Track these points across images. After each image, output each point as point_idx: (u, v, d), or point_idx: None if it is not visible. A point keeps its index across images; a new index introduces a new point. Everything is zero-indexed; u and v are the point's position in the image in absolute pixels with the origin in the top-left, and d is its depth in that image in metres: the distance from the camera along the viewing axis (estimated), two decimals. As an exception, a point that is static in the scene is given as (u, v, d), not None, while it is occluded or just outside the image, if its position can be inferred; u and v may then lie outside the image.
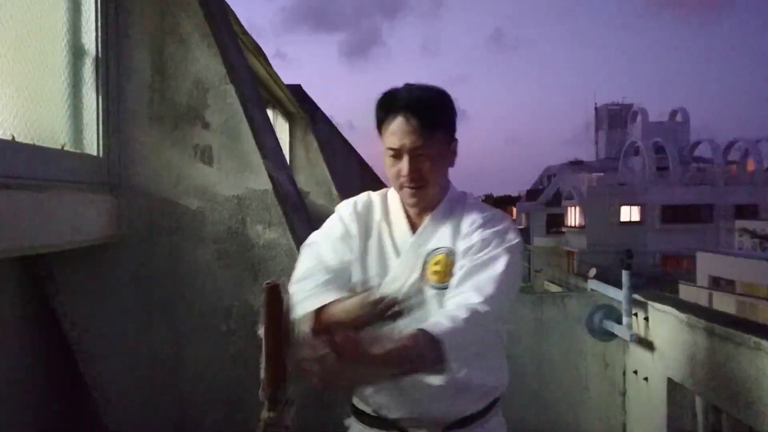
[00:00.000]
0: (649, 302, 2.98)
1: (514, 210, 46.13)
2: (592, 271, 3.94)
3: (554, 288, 24.70)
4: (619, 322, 3.11)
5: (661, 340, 2.87)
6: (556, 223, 36.84)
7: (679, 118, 37.91)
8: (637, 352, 3.13)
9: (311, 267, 1.58)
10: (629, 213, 32.26)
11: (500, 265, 1.45)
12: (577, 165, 39.65)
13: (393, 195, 1.66)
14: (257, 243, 2.62)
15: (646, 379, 3.02)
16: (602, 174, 37.48)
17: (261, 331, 1.23)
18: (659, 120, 38.46)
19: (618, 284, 3.09)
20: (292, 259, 2.59)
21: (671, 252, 30.67)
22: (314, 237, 1.70)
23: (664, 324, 2.82)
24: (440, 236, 1.57)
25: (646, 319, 2.99)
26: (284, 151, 5.35)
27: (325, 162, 6.81)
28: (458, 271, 1.48)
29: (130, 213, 2.62)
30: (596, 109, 42.46)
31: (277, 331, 1.21)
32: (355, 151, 7.99)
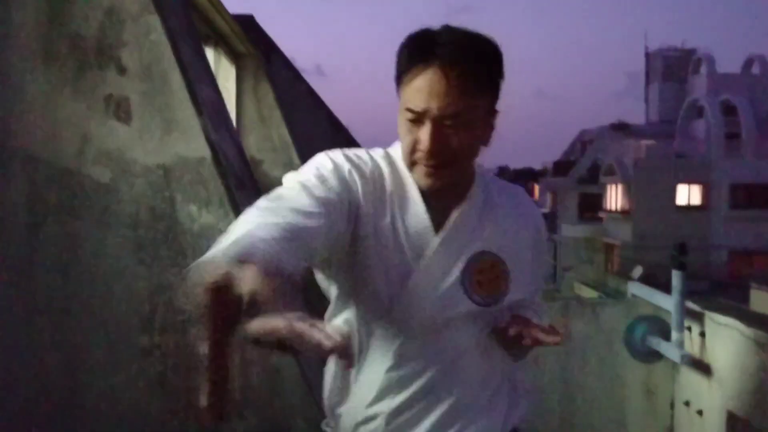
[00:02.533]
0: (707, 313, 3.03)
1: (536, 188, 46.35)
2: (637, 271, 4.00)
3: (587, 292, 24.94)
4: (667, 339, 3.16)
5: (721, 363, 2.92)
6: (591, 206, 37.07)
7: (756, 69, 38.15)
8: (689, 378, 3.19)
9: (283, 194, 1.43)
10: (688, 194, 32.54)
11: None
12: (621, 129, 39.81)
13: (403, 165, 1.58)
14: (189, 229, 2.62)
15: (700, 412, 3.08)
16: (654, 142, 37.69)
17: (203, 347, 1.23)
18: (730, 71, 38.68)
19: (671, 288, 3.14)
20: (236, 251, 2.60)
21: (742, 247, 31.03)
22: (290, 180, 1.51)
23: (725, 341, 2.88)
24: (489, 239, 1.60)
25: (702, 334, 3.04)
26: (229, 106, 5.30)
27: (283, 120, 6.78)
28: (528, 288, 1.68)
29: (12, 187, 2.61)
30: (647, 55, 42.55)
31: (225, 344, 1.21)
32: (326, 106, 7.96)
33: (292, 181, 1.50)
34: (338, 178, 1.51)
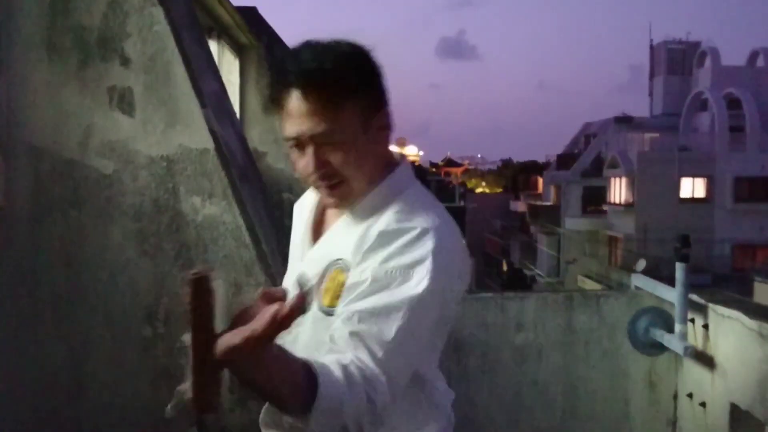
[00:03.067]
0: (710, 305, 3.03)
1: (540, 181, 46.31)
2: (641, 264, 4.01)
3: (591, 285, 24.93)
4: (671, 331, 3.16)
5: (725, 355, 2.92)
6: (595, 199, 37.01)
7: (761, 61, 38.03)
8: (692, 371, 3.19)
9: None
10: (692, 187, 32.48)
11: (391, 329, 1.39)
12: (625, 122, 39.71)
13: None
14: (193, 220, 2.63)
15: (703, 404, 3.09)
16: (658, 135, 37.62)
17: (187, 338, 1.24)
18: (735, 64, 38.55)
19: (674, 281, 3.13)
20: (240, 243, 2.61)
21: (746, 240, 30.99)
22: None
23: (728, 334, 2.88)
24: (346, 245, 1.54)
25: (706, 327, 3.05)
26: (232, 98, 5.30)
27: (287, 113, 6.77)
28: (341, 313, 1.44)
29: (16, 179, 2.61)
30: (652, 47, 42.40)
31: (207, 335, 1.22)
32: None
33: None
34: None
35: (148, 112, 2.63)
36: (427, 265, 1.43)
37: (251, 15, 6.69)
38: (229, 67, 6.44)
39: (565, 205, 38.61)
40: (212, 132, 2.64)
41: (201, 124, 2.62)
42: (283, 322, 1.15)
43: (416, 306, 1.41)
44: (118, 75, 2.63)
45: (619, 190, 34.48)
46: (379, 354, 1.37)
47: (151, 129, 2.63)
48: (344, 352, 1.38)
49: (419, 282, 1.42)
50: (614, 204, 34.68)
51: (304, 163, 1.51)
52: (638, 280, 3.47)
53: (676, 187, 32.03)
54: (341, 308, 1.45)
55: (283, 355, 1.27)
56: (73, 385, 2.64)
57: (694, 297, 3.14)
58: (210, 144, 2.63)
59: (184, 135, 2.63)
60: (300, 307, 1.20)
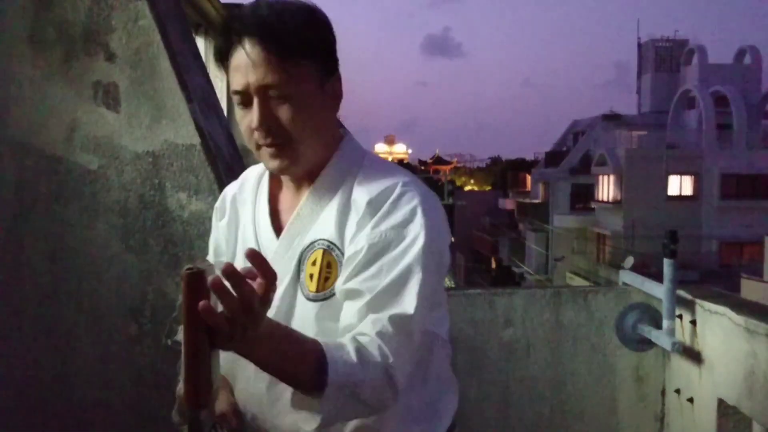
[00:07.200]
0: (698, 301, 3.04)
1: (528, 178, 46.42)
2: (628, 261, 4.00)
3: (579, 282, 25.05)
4: (658, 327, 3.17)
5: (712, 351, 2.93)
6: (583, 196, 37.16)
7: (748, 59, 38.25)
8: (680, 366, 3.20)
9: None
10: (679, 184, 32.66)
11: (409, 299, 1.35)
12: (612, 120, 39.86)
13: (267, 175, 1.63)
14: (179, 216, 2.61)
15: (690, 400, 3.09)
16: (646, 132, 37.79)
17: (179, 335, 1.23)
18: (722, 62, 38.77)
19: (662, 278, 3.14)
20: (226, 239, 2.59)
21: (733, 237, 31.18)
22: None
23: (716, 329, 2.88)
24: (322, 223, 1.47)
25: (693, 322, 3.05)
26: (219, 95, 5.28)
27: (275, 110, 6.76)
28: (345, 292, 1.40)
29: (0, 175, 2.59)
30: (639, 45, 42.57)
31: (200, 331, 1.21)
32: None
33: None
34: (213, 221, 1.74)
35: (134, 107, 2.62)
36: (419, 219, 1.41)
37: (239, 11, 6.68)
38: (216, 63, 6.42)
39: (553, 202, 38.73)
40: (198, 127, 2.63)
41: (187, 120, 2.61)
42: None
43: (420, 260, 1.39)
44: (103, 70, 2.62)
45: (607, 188, 34.64)
46: (395, 339, 1.33)
47: (137, 124, 2.62)
48: (363, 332, 1.33)
49: (416, 237, 1.40)
50: (602, 201, 34.83)
51: (249, 119, 1.44)
52: (626, 277, 3.47)
53: (664, 185, 32.20)
54: (342, 286, 1.41)
55: (280, 332, 1.25)
56: (57, 381, 2.62)
57: (682, 293, 3.14)
58: (196, 139, 2.61)
59: (170, 130, 2.62)
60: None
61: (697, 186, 32.47)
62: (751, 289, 18.91)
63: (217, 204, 1.72)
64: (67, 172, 2.61)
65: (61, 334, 2.62)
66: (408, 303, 1.36)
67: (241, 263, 1.36)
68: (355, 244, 1.41)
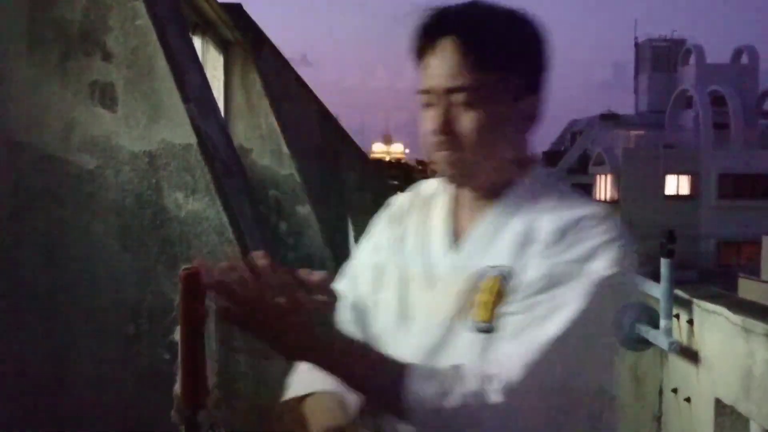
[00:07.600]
0: (695, 300, 3.04)
1: (527, 178, 46.30)
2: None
3: (577, 282, 24.95)
4: (656, 327, 3.17)
5: (710, 350, 2.93)
6: (581, 196, 37.14)
7: (745, 59, 38.33)
8: (677, 366, 3.19)
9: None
10: (677, 184, 32.71)
11: (553, 328, 1.22)
12: (610, 119, 39.95)
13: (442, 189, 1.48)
14: (176, 216, 2.61)
15: (688, 399, 3.09)
16: (643, 132, 37.84)
17: (177, 334, 1.24)
18: (719, 62, 38.83)
19: (658, 278, 3.14)
20: (224, 238, 2.59)
21: (730, 236, 31.23)
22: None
23: (713, 329, 2.88)
24: (500, 248, 1.35)
25: (690, 322, 3.05)
26: (217, 94, 5.28)
27: (272, 109, 6.75)
28: (506, 313, 1.28)
29: (-3, 175, 2.59)
30: (637, 45, 42.63)
31: (197, 332, 1.21)
32: (314, 95, 7.94)
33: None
34: (372, 236, 1.58)
35: (131, 107, 2.61)
36: (608, 253, 1.29)
37: (236, 11, 6.67)
38: (213, 63, 6.40)
39: (551, 201, 38.66)
40: (195, 127, 2.63)
41: (184, 119, 2.60)
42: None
43: (590, 295, 1.25)
44: (100, 69, 2.61)
45: (604, 187, 34.71)
46: (515, 369, 1.20)
47: (134, 124, 2.61)
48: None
49: (596, 271, 1.27)
50: (600, 201, 34.82)
51: (430, 121, 1.35)
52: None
53: (661, 184, 32.26)
54: (506, 313, 1.29)
55: (345, 345, 1.22)
56: (55, 381, 2.62)
57: (679, 293, 3.14)
58: (193, 139, 2.61)
59: (166, 130, 2.61)
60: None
61: (695, 185, 32.53)
62: (748, 289, 18.92)
63: (393, 210, 1.56)
64: (63, 172, 2.61)
65: (59, 334, 2.62)
66: (551, 331, 1.23)
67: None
68: (532, 271, 1.29)
